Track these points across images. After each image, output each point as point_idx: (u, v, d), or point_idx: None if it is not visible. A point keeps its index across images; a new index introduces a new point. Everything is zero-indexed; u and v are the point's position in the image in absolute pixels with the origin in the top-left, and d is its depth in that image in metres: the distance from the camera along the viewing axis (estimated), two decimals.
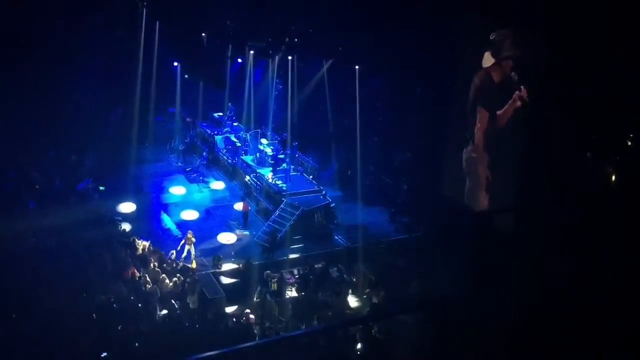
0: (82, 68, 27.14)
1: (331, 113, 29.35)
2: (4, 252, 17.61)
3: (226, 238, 23.67)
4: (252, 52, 29.27)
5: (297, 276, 21.57)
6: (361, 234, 24.32)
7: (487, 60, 21.03)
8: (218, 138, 29.97)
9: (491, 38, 20.64)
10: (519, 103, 20.35)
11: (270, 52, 28.38)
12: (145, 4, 27.97)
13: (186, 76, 31.13)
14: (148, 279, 19.24)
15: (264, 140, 28.76)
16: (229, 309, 19.65)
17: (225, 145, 29.66)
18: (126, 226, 22.87)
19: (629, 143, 16.90)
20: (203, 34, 29.08)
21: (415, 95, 27.31)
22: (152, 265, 20.11)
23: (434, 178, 24.02)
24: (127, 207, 24.40)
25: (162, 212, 25.37)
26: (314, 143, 29.39)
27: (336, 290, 20.61)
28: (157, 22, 28.45)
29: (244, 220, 24.98)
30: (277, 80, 30.19)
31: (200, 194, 27.42)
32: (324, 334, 14.79)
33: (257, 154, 28.21)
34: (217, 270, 21.26)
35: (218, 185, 28.20)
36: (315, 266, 21.87)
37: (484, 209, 20.57)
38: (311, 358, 12.50)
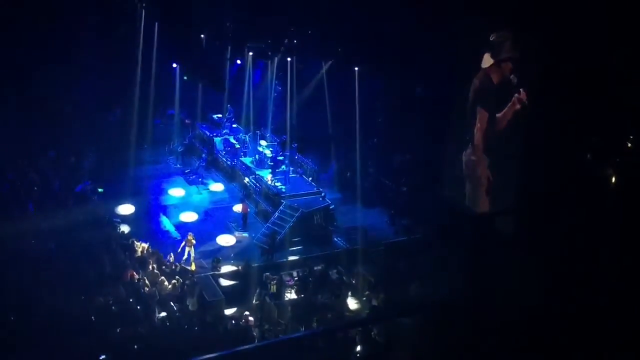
0: (81, 69, 27.14)
1: (330, 114, 29.31)
2: (3, 253, 17.59)
3: (225, 240, 23.68)
4: (251, 53, 29.29)
5: (296, 278, 21.53)
6: (361, 236, 24.30)
7: (487, 61, 21.03)
8: (217, 140, 29.95)
9: (491, 39, 20.64)
10: (518, 106, 20.35)
11: (270, 53, 28.39)
12: (144, 5, 27.97)
13: (185, 78, 31.12)
14: (147, 281, 19.20)
15: (263, 142, 28.74)
16: (228, 311, 19.61)
17: (225, 147, 29.63)
18: (125, 228, 22.86)
19: (629, 144, 16.91)
20: (202, 36, 29.09)
21: (414, 97, 27.30)
22: (150, 267, 20.07)
23: (433, 180, 24.01)
24: (125, 209, 24.41)
25: (161, 214, 25.36)
26: (313, 145, 29.35)
27: (335, 293, 20.57)
28: (156, 24, 28.43)
29: (243, 222, 24.96)
30: (276, 82, 30.19)
31: (199, 196, 27.41)
32: (324, 336, 14.76)
33: (256, 156, 28.20)
34: (216, 272, 21.21)
35: (217, 187, 28.19)
36: (315, 268, 21.82)
37: (484, 210, 20.56)
38: None
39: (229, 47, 29.62)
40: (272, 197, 25.61)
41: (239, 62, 30.55)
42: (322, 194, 25.84)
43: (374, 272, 21.55)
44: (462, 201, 22.12)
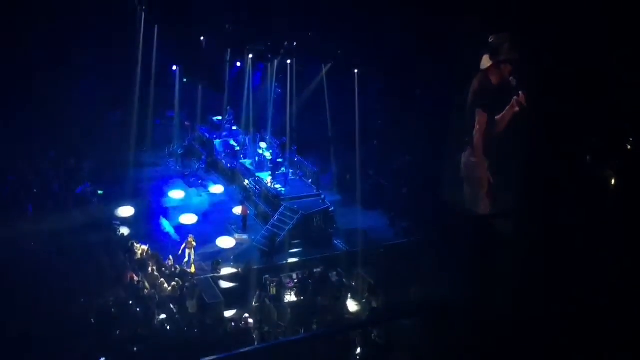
0: (81, 71, 27.14)
1: (330, 117, 29.29)
2: (3, 255, 17.58)
3: (225, 242, 23.63)
4: (251, 55, 29.24)
5: (296, 280, 21.50)
6: (360, 238, 24.26)
7: (486, 63, 20.97)
8: (217, 142, 29.93)
9: (490, 41, 20.62)
10: (517, 108, 20.31)
11: (269, 55, 28.35)
12: (144, 7, 27.96)
13: (185, 80, 31.11)
14: (146, 283, 19.19)
15: (262, 144, 28.72)
16: (228, 314, 19.60)
17: (224, 149, 29.61)
18: (125, 230, 22.84)
19: (629, 147, 16.89)
20: (202, 38, 29.08)
21: (414, 99, 27.28)
22: (150, 269, 20.06)
23: (433, 182, 23.96)
24: (125, 211, 24.38)
25: (160, 216, 25.31)
26: (313, 147, 29.32)
27: (335, 295, 20.55)
28: (156, 26, 28.42)
29: (242, 224, 24.93)
30: (276, 84, 30.14)
31: (199, 198, 27.37)
32: (323, 338, 14.73)
33: (256, 158, 28.19)
34: (216, 274, 21.19)
35: (217, 189, 28.15)
36: (315, 270, 21.80)
37: (484, 212, 20.54)
38: None
39: (229, 49, 29.62)
40: (272, 199, 25.59)
41: (238, 64, 30.53)
42: (322, 196, 25.82)
43: (374, 274, 21.53)
44: (462, 203, 22.08)
